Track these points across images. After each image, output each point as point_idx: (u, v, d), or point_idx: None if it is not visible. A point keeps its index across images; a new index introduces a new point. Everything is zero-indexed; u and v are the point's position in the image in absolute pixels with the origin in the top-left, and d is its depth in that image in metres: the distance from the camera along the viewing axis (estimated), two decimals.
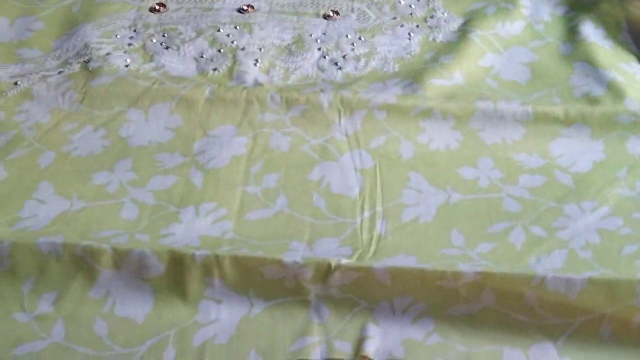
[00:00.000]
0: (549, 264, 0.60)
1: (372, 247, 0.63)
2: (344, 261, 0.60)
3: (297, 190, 0.68)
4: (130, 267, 0.60)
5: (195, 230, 0.64)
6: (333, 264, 0.59)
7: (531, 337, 0.57)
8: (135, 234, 0.64)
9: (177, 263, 0.60)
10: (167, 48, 0.81)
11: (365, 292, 0.59)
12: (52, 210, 0.66)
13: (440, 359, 0.56)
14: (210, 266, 0.60)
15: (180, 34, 0.83)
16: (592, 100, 0.75)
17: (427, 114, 0.73)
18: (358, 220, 0.66)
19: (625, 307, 0.57)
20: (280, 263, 0.59)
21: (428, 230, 0.65)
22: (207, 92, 0.74)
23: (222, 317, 0.59)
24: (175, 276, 0.60)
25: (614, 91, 0.75)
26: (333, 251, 0.62)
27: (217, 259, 0.60)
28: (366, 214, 0.66)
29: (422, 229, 0.65)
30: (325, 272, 0.59)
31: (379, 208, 0.66)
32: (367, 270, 0.59)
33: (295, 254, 0.61)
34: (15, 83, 0.78)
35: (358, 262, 0.60)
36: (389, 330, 0.58)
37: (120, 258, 0.60)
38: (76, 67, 0.78)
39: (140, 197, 0.67)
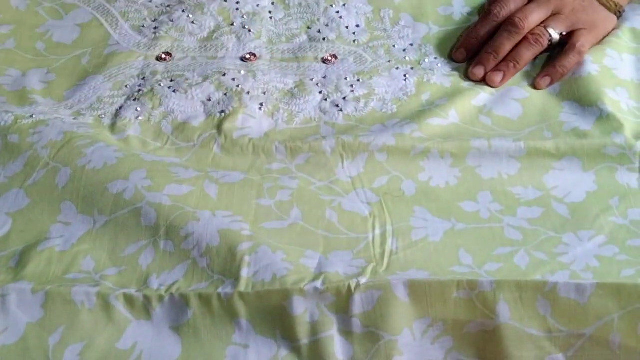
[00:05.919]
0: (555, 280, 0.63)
1: (385, 261, 0.65)
2: (363, 280, 0.61)
3: (310, 204, 0.71)
4: (160, 316, 0.62)
5: (214, 225, 0.66)
6: (353, 286, 0.61)
7: (544, 350, 0.59)
8: (159, 242, 0.66)
9: (205, 304, 0.61)
10: (175, 92, 0.84)
11: (386, 320, 0.61)
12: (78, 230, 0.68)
13: None
14: (235, 306, 0.61)
15: (187, 79, 0.85)
16: (580, 134, 0.79)
17: (426, 153, 0.76)
18: (370, 235, 0.68)
19: (633, 309, 0.59)
20: (301, 292, 0.61)
21: (437, 248, 0.67)
22: (215, 147, 0.78)
23: None
24: (204, 321, 0.61)
25: (602, 125, 0.79)
26: (348, 262, 0.65)
27: (242, 297, 0.61)
28: (377, 231, 0.69)
29: (432, 247, 0.67)
30: (346, 296, 0.61)
31: (389, 227, 0.69)
32: (385, 287, 0.61)
33: (312, 261, 0.64)
34: (31, 116, 0.80)
35: (376, 280, 0.62)
36: (410, 356, 0.60)
37: (152, 306, 0.62)
38: (89, 119, 0.81)
39: (156, 199, 0.69)
